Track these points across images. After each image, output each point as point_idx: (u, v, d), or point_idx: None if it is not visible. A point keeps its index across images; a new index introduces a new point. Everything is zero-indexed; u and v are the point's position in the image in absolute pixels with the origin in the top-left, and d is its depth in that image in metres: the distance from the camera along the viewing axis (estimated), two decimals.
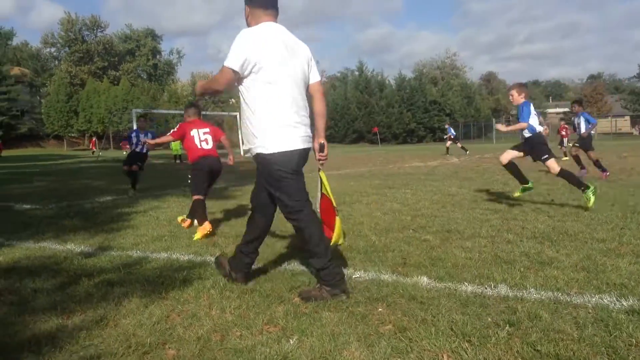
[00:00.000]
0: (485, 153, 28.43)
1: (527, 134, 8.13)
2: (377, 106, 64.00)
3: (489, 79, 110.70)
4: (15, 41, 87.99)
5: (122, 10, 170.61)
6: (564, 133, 20.32)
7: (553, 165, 7.97)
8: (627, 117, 75.93)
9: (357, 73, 70.39)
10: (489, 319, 3.41)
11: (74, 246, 6.02)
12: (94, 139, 56.80)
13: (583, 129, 13.16)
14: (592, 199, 7.53)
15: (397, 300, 3.83)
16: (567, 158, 19.05)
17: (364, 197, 9.98)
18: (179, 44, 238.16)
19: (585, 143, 13.13)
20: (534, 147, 8.15)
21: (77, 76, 79.74)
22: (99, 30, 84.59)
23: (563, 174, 7.91)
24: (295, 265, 4.90)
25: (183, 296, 4.06)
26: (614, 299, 3.71)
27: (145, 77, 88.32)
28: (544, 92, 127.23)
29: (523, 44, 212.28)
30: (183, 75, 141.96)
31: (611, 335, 3.09)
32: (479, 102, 75.53)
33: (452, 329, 3.24)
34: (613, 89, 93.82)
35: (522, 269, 4.56)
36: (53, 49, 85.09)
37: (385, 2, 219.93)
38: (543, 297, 3.80)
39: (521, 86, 8.20)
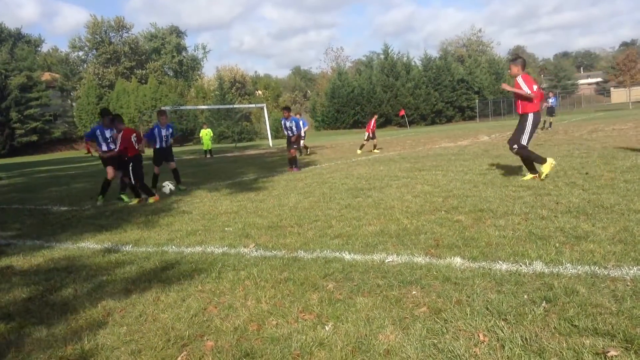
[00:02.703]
0: None
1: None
2: (404, 88, 63.40)
3: (517, 53, 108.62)
4: (45, 47, 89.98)
5: (144, 9, 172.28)
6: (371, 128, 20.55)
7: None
8: None
9: (382, 56, 69.83)
10: (525, 297, 3.38)
11: (111, 245, 6.16)
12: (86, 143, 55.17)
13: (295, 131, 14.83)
14: None
15: (431, 282, 3.83)
16: (377, 151, 20.15)
17: (394, 180, 9.93)
18: (202, 39, 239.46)
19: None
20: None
21: (105, 77, 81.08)
22: (124, 31, 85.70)
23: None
24: (327, 253, 4.91)
25: (219, 288, 4.13)
26: None
27: (171, 75, 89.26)
28: (575, 63, 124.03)
29: (551, 14, 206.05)
30: (209, 70, 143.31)
31: None
32: (508, 78, 74.09)
33: (487, 308, 3.22)
34: None
35: (557, 245, 4.50)
36: (81, 53, 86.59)
37: None
38: (580, 272, 3.75)
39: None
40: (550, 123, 25.06)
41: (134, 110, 69.64)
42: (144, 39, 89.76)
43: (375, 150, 20.31)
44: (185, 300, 3.90)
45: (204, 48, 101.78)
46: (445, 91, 63.78)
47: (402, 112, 52.80)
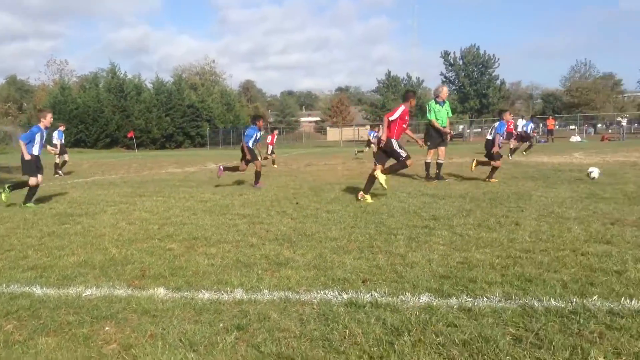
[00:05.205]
0: None
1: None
2: (135, 110, 61.52)
3: (248, 87, 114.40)
4: None
5: None
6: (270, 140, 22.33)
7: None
8: (368, 126, 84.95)
9: (110, 75, 66.63)
10: (221, 325, 3.42)
11: None
12: None
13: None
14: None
15: (129, 316, 3.63)
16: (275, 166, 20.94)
17: (110, 206, 9.39)
18: None
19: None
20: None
21: None
22: None
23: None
24: (15, 288, 4.34)
25: None
26: (337, 293, 4.03)
27: None
28: (298, 102, 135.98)
29: (279, 54, 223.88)
30: None
31: (329, 328, 3.33)
32: (239, 109, 77.32)
33: (181, 340, 3.17)
34: (357, 100, 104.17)
35: (259, 272, 4.70)
36: None
37: (143, 2, 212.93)
38: (275, 298, 3.96)
39: None
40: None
41: None
42: None
43: (275, 166, 20.58)
44: None
45: None
46: (176, 116, 63.65)
47: (131, 134, 51.04)
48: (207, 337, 3.21)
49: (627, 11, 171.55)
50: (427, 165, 12.99)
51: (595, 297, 3.78)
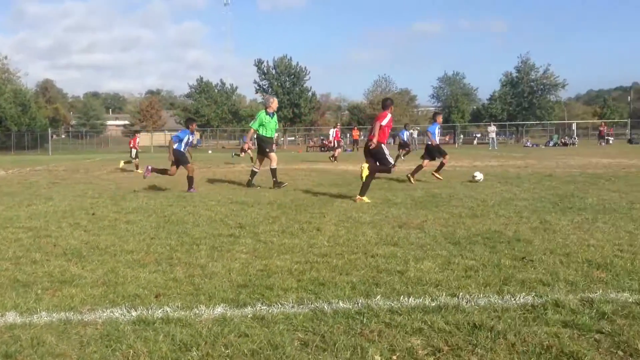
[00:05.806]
0: (37, 165, 26.56)
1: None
2: None
3: (47, 86, 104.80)
4: None
5: None
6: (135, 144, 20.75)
7: None
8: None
9: None
10: None
11: None
12: None
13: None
14: None
15: None
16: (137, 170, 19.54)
17: None
18: None
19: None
20: None
21: None
22: None
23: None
24: None
25: None
26: (125, 310, 3.78)
27: None
28: (104, 104, 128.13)
29: (83, 52, 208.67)
30: None
31: (111, 349, 3.10)
32: (35, 111, 70.39)
33: None
34: (169, 104, 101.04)
35: (39, 292, 4.25)
36: None
37: None
38: (54, 319, 3.59)
39: None
40: None
41: None
42: None
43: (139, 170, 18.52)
44: None
45: None
46: None
47: None
48: None
49: (419, 32, 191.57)
50: (273, 171, 12.87)
51: (378, 297, 4.04)
